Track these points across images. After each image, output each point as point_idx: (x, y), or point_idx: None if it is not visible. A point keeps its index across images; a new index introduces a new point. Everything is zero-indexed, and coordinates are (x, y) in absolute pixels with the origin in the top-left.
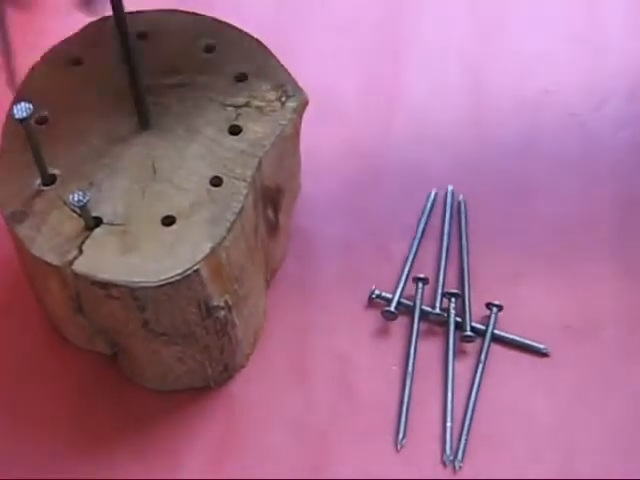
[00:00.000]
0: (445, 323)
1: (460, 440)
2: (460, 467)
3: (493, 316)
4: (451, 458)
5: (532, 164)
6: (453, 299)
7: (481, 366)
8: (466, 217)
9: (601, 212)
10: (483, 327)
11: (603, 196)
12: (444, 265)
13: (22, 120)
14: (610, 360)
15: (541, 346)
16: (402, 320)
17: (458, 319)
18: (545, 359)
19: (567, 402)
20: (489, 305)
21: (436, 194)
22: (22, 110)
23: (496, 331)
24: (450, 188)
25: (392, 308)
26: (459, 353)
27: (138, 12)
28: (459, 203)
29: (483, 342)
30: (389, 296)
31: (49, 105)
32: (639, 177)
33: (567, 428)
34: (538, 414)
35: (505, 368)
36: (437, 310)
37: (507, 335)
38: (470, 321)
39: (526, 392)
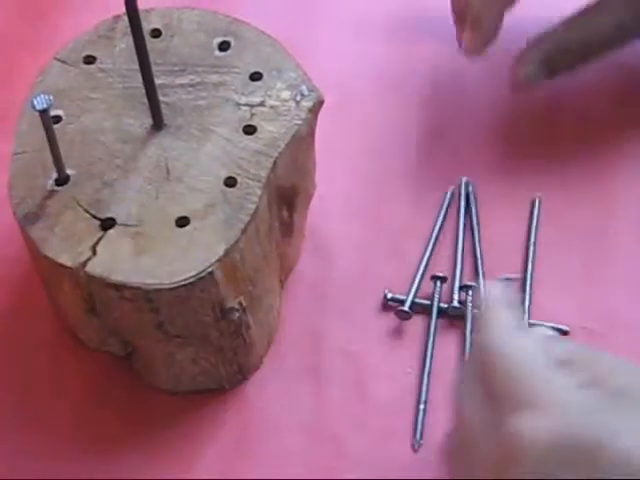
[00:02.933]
0: (462, 317)
1: None
2: None
3: None
4: None
5: None
6: (470, 291)
7: None
8: (476, 207)
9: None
10: None
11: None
12: (460, 258)
13: (42, 111)
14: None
15: (563, 327)
16: (416, 320)
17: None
18: None
19: None
20: None
21: (453, 192)
22: (42, 102)
23: None
24: (464, 179)
25: (406, 308)
26: None
27: (151, 9)
28: (467, 193)
29: None
30: (403, 297)
31: (62, 104)
32: None
33: None
34: None
35: None
36: (455, 303)
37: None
38: None
39: None
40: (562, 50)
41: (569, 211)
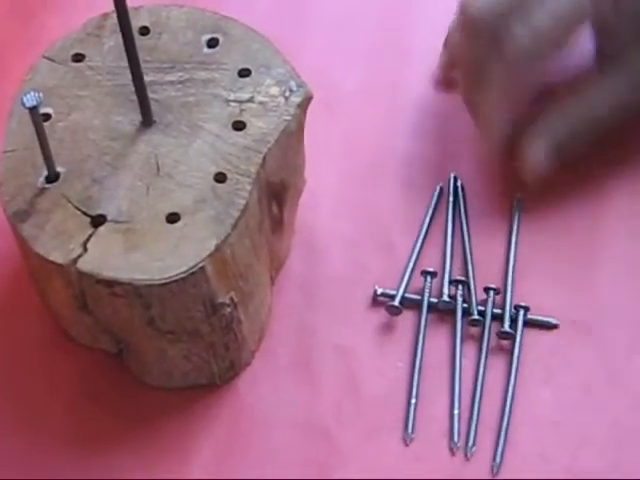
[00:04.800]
0: (452, 311)
1: (470, 428)
2: (472, 454)
3: (490, 299)
4: (458, 445)
5: None
6: (460, 286)
7: (484, 349)
8: (465, 202)
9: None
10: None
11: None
12: (450, 253)
13: (32, 109)
14: (616, 354)
15: (552, 320)
16: (407, 314)
17: (465, 305)
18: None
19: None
20: (486, 289)
21: (441, 188)
22: (32, 99)
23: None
24: (453, 175)
25: (396, 303)
26: (467, 339)
27: (140, 7)
28: (456, 188)
29: (484, 324)
30: (393, 293)
31: (52, 102)
32: None
33: (573, 422)
34: (543, 405)
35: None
36: (445, 298)
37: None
38: (476, 305)
39: (530, 378)
40: (571, 137)
41: (555, 205)
